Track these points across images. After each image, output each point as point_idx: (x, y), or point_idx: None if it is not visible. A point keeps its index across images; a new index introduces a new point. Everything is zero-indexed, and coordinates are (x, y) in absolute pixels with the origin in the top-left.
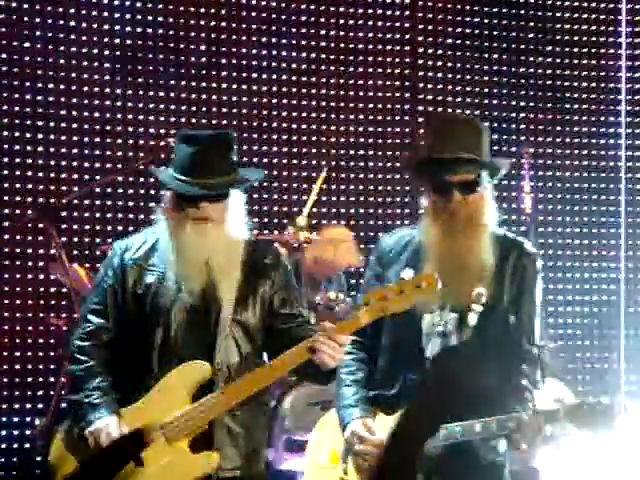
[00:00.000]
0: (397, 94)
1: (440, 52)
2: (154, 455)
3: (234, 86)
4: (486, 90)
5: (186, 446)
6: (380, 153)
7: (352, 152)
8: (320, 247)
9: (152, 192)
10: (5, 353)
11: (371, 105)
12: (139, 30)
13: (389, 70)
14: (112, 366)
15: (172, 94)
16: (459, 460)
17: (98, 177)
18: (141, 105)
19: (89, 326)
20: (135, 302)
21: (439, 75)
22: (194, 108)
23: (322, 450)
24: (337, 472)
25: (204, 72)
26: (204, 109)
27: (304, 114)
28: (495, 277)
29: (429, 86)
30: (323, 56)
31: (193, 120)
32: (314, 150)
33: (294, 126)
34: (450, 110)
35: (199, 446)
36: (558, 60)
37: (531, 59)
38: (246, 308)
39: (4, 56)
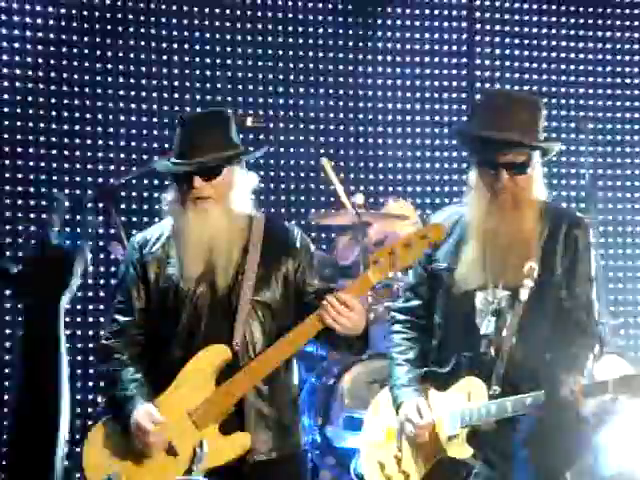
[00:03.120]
0: (453, 70)
1: (498, 27)
2: (185, 442)
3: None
4: (544, 66)
5: (216, 430)
6: (436, 130)
7: (408, 129)
8: (386, 222)
9: None
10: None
11: (427, 82)
12: None
13: (445, 46)
14: (142, 359)
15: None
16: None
17: (156, 157)
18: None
19: (115, 325)
20: (159, 295)
21: (497, 51)
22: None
23: (377, 427)
24: (392, 450)
25: None
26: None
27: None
28: (546, 250)
29: (486, 62)
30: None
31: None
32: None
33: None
34: (507, 86)
35: (230, 429)
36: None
37: (590, 34)
38: (268, 287)
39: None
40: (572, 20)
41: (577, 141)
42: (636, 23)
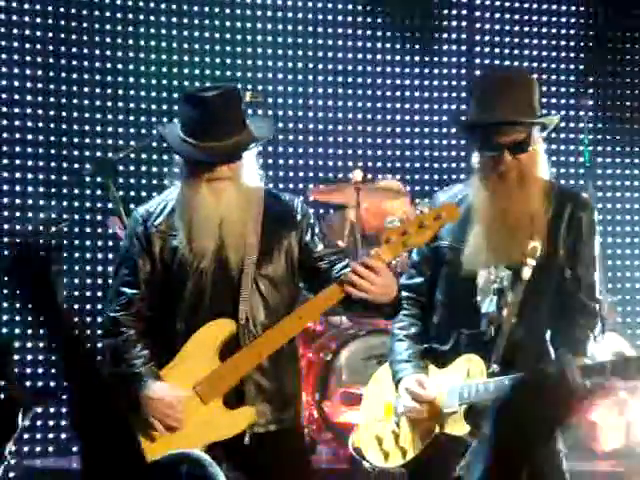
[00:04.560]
0: (453, 46)
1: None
2: (191, 416)
3: None
4: (544, 42)
5: (221, 404)
6: (435, 107)
7: (407, 105)
8: (376, 199)
9: None
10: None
11: (427, 58)
12: None
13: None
14: (148, 334)
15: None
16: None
17: (155, 131)
18: (196, 58)
19: (123, 298)
20: (163, 268)
21: (496, 26)
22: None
23: (376, 403)
24: (390, 425)
25: None
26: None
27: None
28: (550, 230)
29: (486, 37)
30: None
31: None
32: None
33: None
34: (507, 62)
35: (232, 403)
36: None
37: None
38: (271, 261)
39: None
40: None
41: (577, 118)
42: None
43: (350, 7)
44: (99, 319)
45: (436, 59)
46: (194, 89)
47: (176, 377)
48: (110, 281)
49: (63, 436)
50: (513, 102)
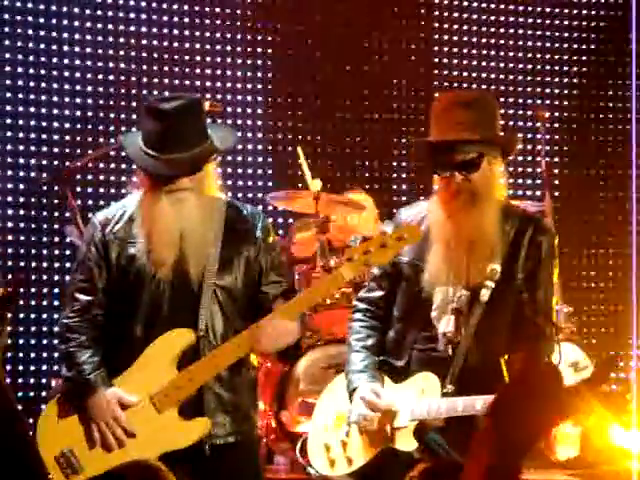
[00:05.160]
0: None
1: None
2: (145, 425)
3: None
4: (501, 53)
5: (176, 413)
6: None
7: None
8: (341, 212)
9: None
10: (22, 315)
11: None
12: None
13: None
14: (102, 340)
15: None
16: (462, 433)
17: (113, 140)
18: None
19: (77, 304)
20: (120, 275)
21: (454, 38)
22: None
23: (328, 412)
24: (340, 434)
25: None
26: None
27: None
28: (510, 253)
29: (445, 49)
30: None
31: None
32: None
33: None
34: (465, 73)
35: (189, 413)
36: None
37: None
38: (230, 272)
39: None
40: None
41: (533, 129)
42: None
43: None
44: (55, 328)
45: None
46: (154, 99)
47: (132, 384)
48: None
49: None
50: (466, 122)
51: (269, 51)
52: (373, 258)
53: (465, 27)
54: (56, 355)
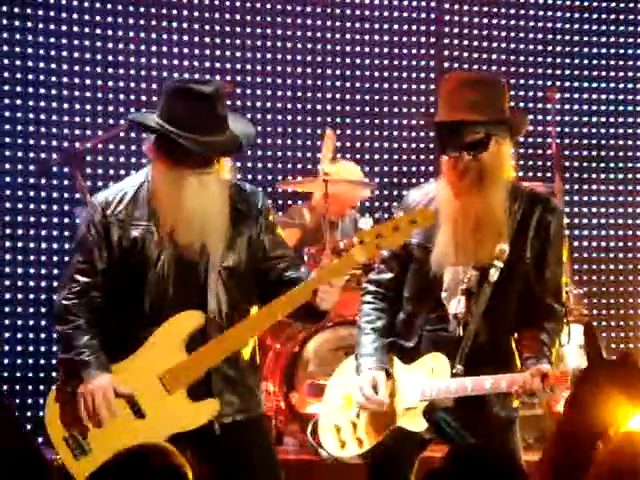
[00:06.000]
0: (422, 49)
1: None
2: (155, 406)
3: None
4: (512, 34)
5: (185, 395)
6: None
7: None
8: (340, 189)
9: None
10: (32, 283)
11: (396, 61)
12: None
13: (414, 26)
14: (102, 323)
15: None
16: (471, 413)
17: (122, 121)
18: (164, 49)
19: (76, 285)
20: (122, 257)
21: (465, 19)
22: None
23: (338, 392)
24: (350, 415)
25: None
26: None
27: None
28: (518, 233)
29: (455, 30)
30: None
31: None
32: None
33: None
34: (475, 55)
35: (197, 394)
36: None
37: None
38: (235, 254)
39: None
40: None
41: (544, 110)
42: None
43: None
44: (54, 309)
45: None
46: (181, 81)
47: (142, 366)
48: None
49: None
50: (470, 102)
51: (278, 32)
52: (386, 242)
53: (475, 7)
54: None
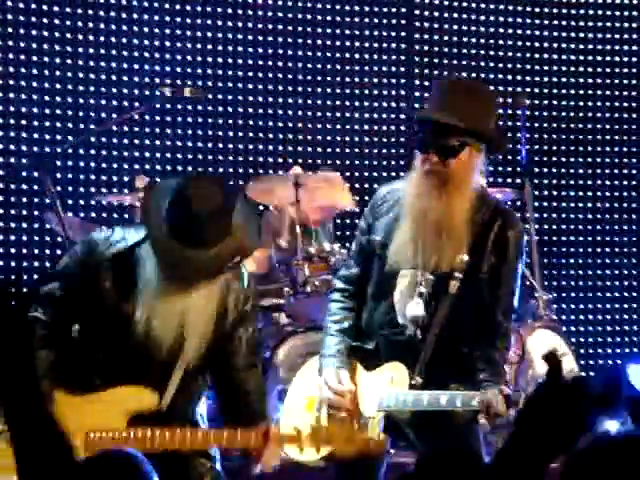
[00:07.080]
0: (393, 45)
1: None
2: None
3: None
4: (482, 41)
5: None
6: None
7: (350, 103)
8: (314, 192)
9: (147, 142)
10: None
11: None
12: None
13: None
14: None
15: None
16: (432, 423)
17: (93, 126)
18: (136, 54)
19: (45, 306)
20: (96, 308)
21: (435, 25)
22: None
23: (300, 395)
24: (310, 419)
25: None
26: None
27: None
28: (476, 245)
29: (425, 36)
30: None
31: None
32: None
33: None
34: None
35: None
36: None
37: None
38: (209, 352)
39: None
40: None
41: (513, 117)
42: None
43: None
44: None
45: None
46: (190, 186)
47: (78, 410)
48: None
49: None
50: (458, 107)
51: (249, 37)
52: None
53: (445, 14)
54: None
